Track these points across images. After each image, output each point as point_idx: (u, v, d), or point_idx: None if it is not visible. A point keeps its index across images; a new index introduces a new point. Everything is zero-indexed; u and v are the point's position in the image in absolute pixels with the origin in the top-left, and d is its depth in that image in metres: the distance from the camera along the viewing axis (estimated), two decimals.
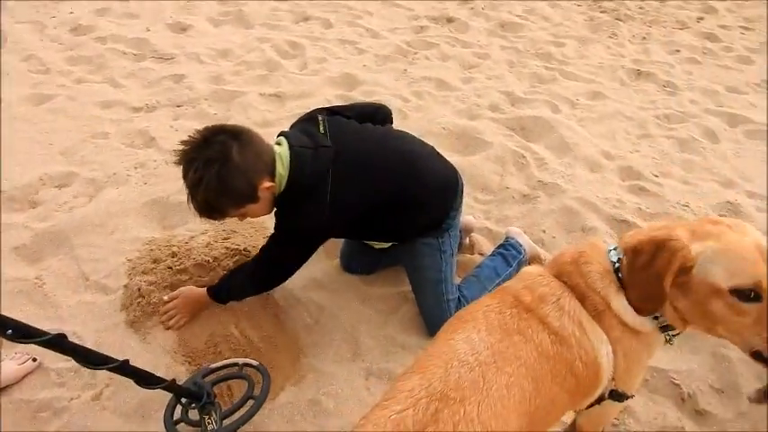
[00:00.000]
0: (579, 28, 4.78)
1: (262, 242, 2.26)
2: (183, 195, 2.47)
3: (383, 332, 1.94)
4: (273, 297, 2.06)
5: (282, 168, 1.64)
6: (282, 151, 1.66)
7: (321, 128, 1.75)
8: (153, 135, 2.98)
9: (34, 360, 1.79)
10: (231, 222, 2.35)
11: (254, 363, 1.73)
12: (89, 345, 1.84)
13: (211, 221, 1.65)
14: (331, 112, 1.88)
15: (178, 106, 3.31)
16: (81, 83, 3.53)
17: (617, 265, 1.12)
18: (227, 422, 1.54)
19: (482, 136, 2.99)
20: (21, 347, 1.83)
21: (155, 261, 2.10)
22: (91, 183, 2.60)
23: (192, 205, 1.60)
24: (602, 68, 4.05)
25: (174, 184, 2.59)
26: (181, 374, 1.79)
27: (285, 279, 1.84)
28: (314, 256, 2.24)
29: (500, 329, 1.05)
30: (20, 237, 2.25)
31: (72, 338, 1.87)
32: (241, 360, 1.74)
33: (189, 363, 1.84)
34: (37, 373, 1.78)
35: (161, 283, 2.02)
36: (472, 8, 4.92)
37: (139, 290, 1.98)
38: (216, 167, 1.50)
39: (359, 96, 3.39)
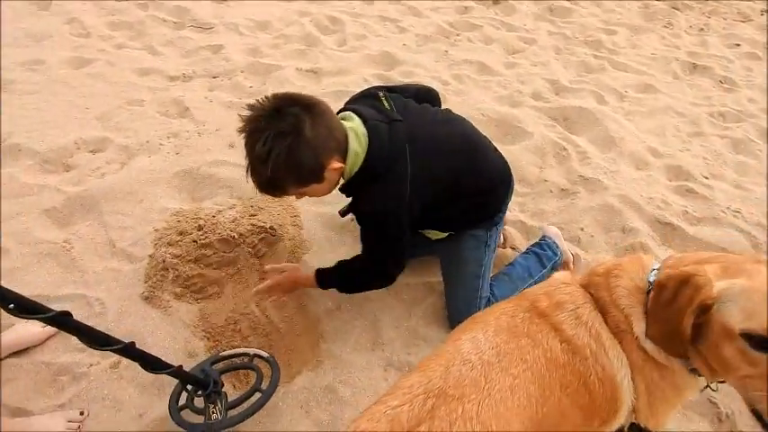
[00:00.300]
0: (632, 16, 4.54)
1: (288, 221, 2.24)
2: (214, 168, 2.49)
3: (406, 323, 1.88)
4: None
5: (359, 145, 1.51)
6: (356, 126, 1.53)
7: (386, 104, 1.63)
8: (187, 105, 2.95)
9: None
10: (259, 199, 2.31)
11: (265, 354, 1.66)
12: (112, 313, 1.86)
13: (269, 196, 1.54)
14: (389, 90, 1.79)
15: (214, 77, 3.28)
16: (121, 48, 3.53)
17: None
18: (232, 413, 1.48)
19: (522, 125, 2.87)
20: None
21: (181, 233, 2.08)
22: (124, 150, 2.60)
23: (251, 179, 1.46)
24: (655, 60, 3.84)
25: (205, 155, 2.57)
26: (199, 350, 1.78)
27: (395, 270, 1.70)
28: (341, 239, 2.22)
29: (508, 331, 1.01)
30: (52, 199, 2.27)
31: (96, 305, 1.89)
32: (252, 350, 1.68)
33: (207, 338, 1.82)
34: (59, 337, 1.79)
35: (185, 256, 2.00)
36: None
37: (164, 261, 1.97)
38: (287, 141, 1.37)
39: (397, 77, 3.30)
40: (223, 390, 1.53)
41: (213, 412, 1.46)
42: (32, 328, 1.76)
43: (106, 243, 2.11)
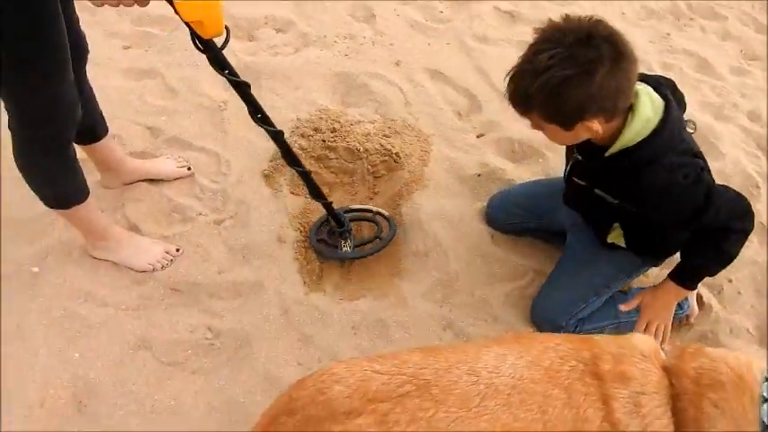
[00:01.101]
0: None
1: (417, 153, 2.19)
2: (372, 80, 2.51)
3: (484, 294, 1.79)
4: (402, 212, 2.01)
5: (653, 111, 1.32)
6: (650, 91, 1.35)
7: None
8: (375, 12, 2.96)
9: (189, 169, 2.01)
10: (401, 124, 2.29)
11: (386, 213, 1.96)
12: (233, 176, 2.02)
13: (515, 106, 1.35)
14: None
15: None
16: None
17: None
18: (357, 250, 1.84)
19: (718, 143, 2.43)
20: (185, 154, 2.07)
21: (315, 129, 2.16)
22: (302, 37, 2.71)
23: (508, 80, 1.32)
24: None
25: (369, 65, 2.58)
26: (288, 238, 1.88)
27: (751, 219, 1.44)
28: (459, 190, 2.13)
29: (546, 371, 0.84)
30: None
31: (223, 165, 2.07)
32: (374, 208, 1.99)
33: (299, 231, 1.91)
34: (187, 181, 2.01)
35: (311, 151, 2.09)
36: None
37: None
38: (570, 72, 1.19)
39: None
40: (351, 231, 1.87)
41: (344, 246, 1.84)
42: (170, 164, 2.00)
43: None
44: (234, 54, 2.52)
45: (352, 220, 1.91)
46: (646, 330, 1.59)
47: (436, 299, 1.78)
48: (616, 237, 1.66)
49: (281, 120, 2.25)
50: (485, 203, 2.02)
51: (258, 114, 1.45)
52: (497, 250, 1.93)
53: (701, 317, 1.83)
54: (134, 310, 1.64)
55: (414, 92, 2.49)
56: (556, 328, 1.65)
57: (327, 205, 1.75)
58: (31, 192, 1.53)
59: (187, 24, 1.22)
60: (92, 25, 2.51)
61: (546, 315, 1.71)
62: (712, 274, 1.56)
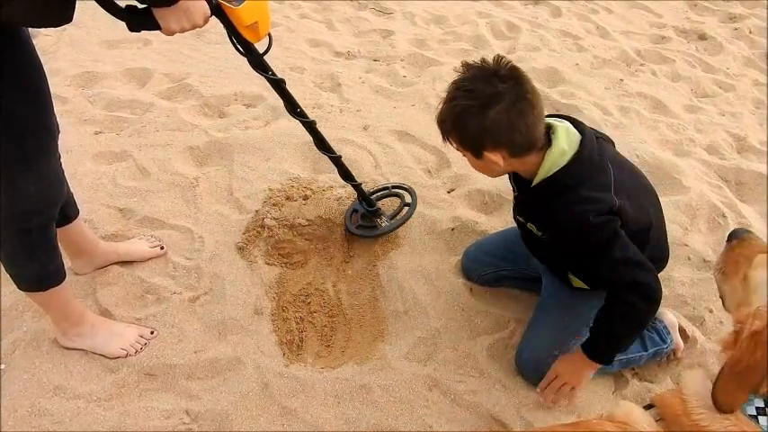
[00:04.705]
0: None
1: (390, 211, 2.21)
2: (341, 145, 2.57)
3: (467, 349, 1.76)
4: (379, 272, 2.01)
5: (567, 144, 1.40)
6: (568, 126, 1.44)
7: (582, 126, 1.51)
8: (341, 81, 3.07)
9: (162, 248, 1.99)
10: (370, 185, 2.32)
11: (400, 183, 2.24)
12: (206, 251, 2.01)
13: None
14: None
15: (374, 60, 3.36)
16: (303, 18, 3.79)
17: None
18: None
19: (681, 177, 2.50)
20: (157, 233, 2.06)
21: (288, 198, 2.18)
22: (272, 110, 2.78)
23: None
24: None
25: (339, 131, 2.65)
26: (265, 309, 1.85)
27: (654, 282, 1.42)
28: (434, 245, 2.14)
29: None
30: (197, 139, 2.52)
31: (197, 241, 2.06)
32: (390, 183, 2.26)
33: (275, 301, 1.88)
34: (160, 260, 1.99)
35: (284, 220, 2.09)
36: (736, 29, 4.11)
37: (263, 219, 2.08)
38: (467, 104, 1.33)
39: (555, 96, 3.08)
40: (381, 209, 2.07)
41: (382, 222, 2.04)
42: (143, 245, 1.98)
43: (225, 189, 2.29)
44: (205, 131, 2.57)
45: (378, 199, 2.14)
46: (549, 384, 1.57)
47: (420, 358, 1.75)
48: (576, 281, 1.67)
49: (252, 191, 2.27)
50: (460, 257, 2.02)
51: (297, 109, 1.70)
52: (477, 303, 1.91)
53: (687, 350, 1.82)
54: (106, 400, 1.57)
55: (383, 153, 2.55)
56: (540, 377, 1.62)
57: (358, 187, 1.97)
58: None
59: (232, 32, 1.36)
60: (63, 114, 2.55)
61: (528, 366, 1.68)
62: (616, 349, 1.49)
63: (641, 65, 3.59)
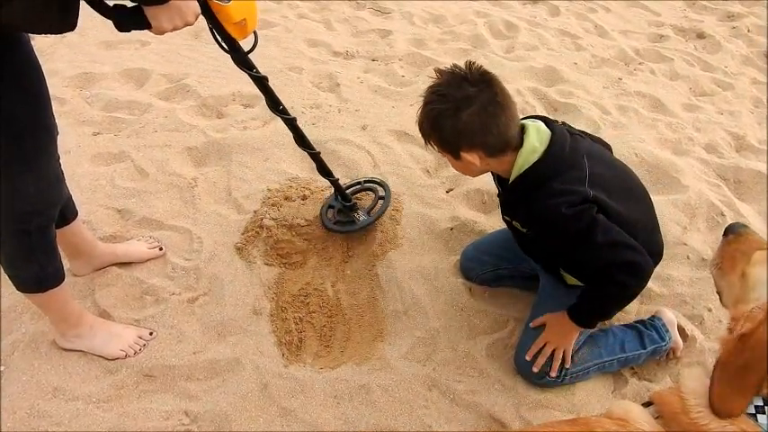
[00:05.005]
0: None
1: (388, 213, 2.21)
2: (339, 145, 2.56)
3: (467, 348, 1.76)
4: (378, 272, 2.00)
5: (539, 141, 1.44)
6: (539, 125, 1.49)
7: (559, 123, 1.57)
8: (339, 81, 3.07)
9: (160, 249, 1.99)
10: (371, 185, 2.32)
11: (372, 177, 2.25)
12: (205, 252, 2.00)
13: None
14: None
15: (373, 60, 3.36)
16: (301, 18, 3.79)
17: None
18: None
19: (679, 176, 2.50)
20: (156, 234, 2.06)
21: (286, 198, 2.18)
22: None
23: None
24: None
25: (337, 132, 2.65)
26: (264, 310, 1.85)
27: (641, 259, 1.43)
28: (433, 245, 2.14)
29: None
30: (196, 140, 2.52)
31: (195, 242, 2.05)
32: (362, 178, 2.25)
33: (274, 302, 1.88)
34: (159, 261, 1.98)
35: (282, 220, 2.09)
36: (735, 27, 4.11)
37: (262, 220, 2.08)
38: (442, 107, 1.39)
39: (553, 95, 3.08)
40: (357, 203, 2.08)
41: (360, 216, 2.05)
42: (141, 246, 1.98)
43: (224, 190, 2.29)
44: (203, 132, 2.57)
45: (352, 194, 2.14)
46: (541, 351, 1.62)
47: (419, 358, 1.75)
48: (570, 278, 1.69)
49: (251, 191, 2.27)
50: (459, 256, 2.02)
51: (279, 106, 1.68)
52: (476, 303, 1.91)
53: (686, 349, 1.81)
54: (105, 401, 1.57)
55: (381, 153, 2.55)
56: (540, 376, 1.62)
57: (336, 182, 1.97)
58: None
59: (218, 30, 1.35)
60: (61, 115, 2.55)
61: (527, 365, 1.67)
62: (600, 318, 1.61)
63: (640, 64, 3.59)
